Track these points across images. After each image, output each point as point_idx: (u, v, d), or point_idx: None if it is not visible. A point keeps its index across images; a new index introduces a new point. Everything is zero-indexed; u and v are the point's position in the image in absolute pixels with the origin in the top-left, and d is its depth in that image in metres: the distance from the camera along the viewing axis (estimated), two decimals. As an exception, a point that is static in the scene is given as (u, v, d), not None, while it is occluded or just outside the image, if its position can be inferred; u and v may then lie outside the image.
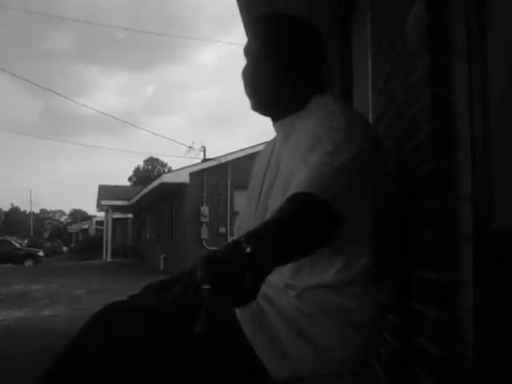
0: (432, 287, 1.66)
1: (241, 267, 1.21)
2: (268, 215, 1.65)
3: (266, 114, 1.97)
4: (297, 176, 1.62)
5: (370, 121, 3.17)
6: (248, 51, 1.96)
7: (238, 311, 1.71)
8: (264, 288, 1.73)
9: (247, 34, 1.94)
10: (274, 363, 1.70)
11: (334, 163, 1.55)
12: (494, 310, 1.48)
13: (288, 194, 1.53)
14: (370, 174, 1.68)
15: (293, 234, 1.40)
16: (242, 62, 1.98)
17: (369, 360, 1.92)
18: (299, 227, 1.42)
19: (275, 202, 1.70)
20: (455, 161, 1.63)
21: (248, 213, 1.99)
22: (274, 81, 1.89)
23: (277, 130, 1.98)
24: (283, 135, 1.93)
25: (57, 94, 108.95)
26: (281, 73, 1.88)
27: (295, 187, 1.53)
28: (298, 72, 1.89)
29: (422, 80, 1.76)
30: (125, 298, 1.97)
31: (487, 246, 1.54)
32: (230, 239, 2.15)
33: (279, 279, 1.74)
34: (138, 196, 29.30)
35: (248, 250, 1.23)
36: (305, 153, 1.67)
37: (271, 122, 1.99)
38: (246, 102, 1.96)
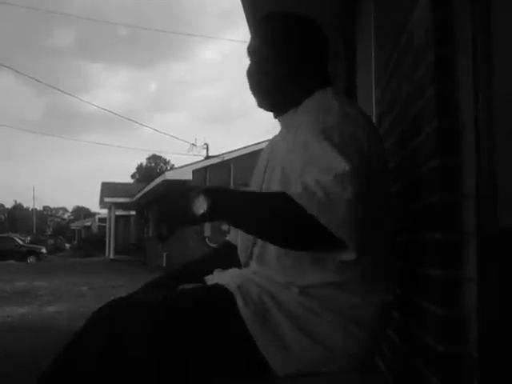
0: (436, 284, 1.66)
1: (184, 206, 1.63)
2: None
3: (269, 110, 2.00)
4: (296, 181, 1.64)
5: (374, 117, 3.16)
6: (251, 50, 1.99)
7: (241, 307, 1.71)
8: (266, 284, 1.74)
9: (251, 33, 1.96)
10: (278, 359, 1.70)
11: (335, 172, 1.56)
12: (499, 307, 1.48)
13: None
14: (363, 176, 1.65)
15: (248, 207, 1.66)
16: (245, 59, 2.01)
17: (372, 357, 1.91)
18: (261, 209, 1.64)
19: None
20: (460, 157, 1.63)
21: None
22: (277, 76, 1.91)
23: (281, 124, 2.01)
24: (284, 130, 1.96)
25: (60, 91, 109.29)
26: (283, 68, 1.91)
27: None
28: (299, 67, 1.91)
29: (427, 76, 1.75)
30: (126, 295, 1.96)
31: (491, 243, 1.54)
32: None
33: (280, 276, 1.75)
34: (141, 193, 29.31)
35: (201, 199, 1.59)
36: (300, 161, 1.69)
37: (274, 118, 2.01)
38: (250, 99, 2.01)
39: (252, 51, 1.98)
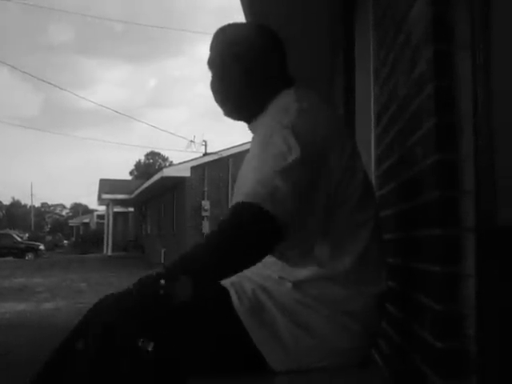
0: (435, 280, 1.66)
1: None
2: None
3: (238, 119, 2.04)
4: (246, 182, 1.70)
5: (372, 114, 3.17)
6: (211, 63, 2.04)
7: (236, 303, 1.72)
8: (260, 281, 1.75)
9: (210, 46, 2.03)
10: (274, 355, 1.71)
11: (277, 168, 1.62)
12: (497, 302, 1.48)
13: (233, 202, 1.69)
14: (322, 167, 1.71)
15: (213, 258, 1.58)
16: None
17: (369, 351, 1.92)
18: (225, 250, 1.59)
19: None
20: (458, 154, 1.63)
21: None
22: (238, 86, 1.97)
23: (252, 132, 2.05)
24: (252, 137, 2.01)
25: (57, 86, 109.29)
26: (242, 78, 1.96)
27: (240, 195, 1.64)
28: (258, 75, 1.96)
29: (426, 72, 1.75)
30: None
31: (490, 239, 1.54)
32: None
33: (273, 271, 1.76)
34: (139, 190, 29.33)
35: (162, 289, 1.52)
36: (252, 156, 1.77)
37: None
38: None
39: (211, 65, 2.03)
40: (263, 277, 1.77)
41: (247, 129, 2.03)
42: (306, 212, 1.69)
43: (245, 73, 1.95)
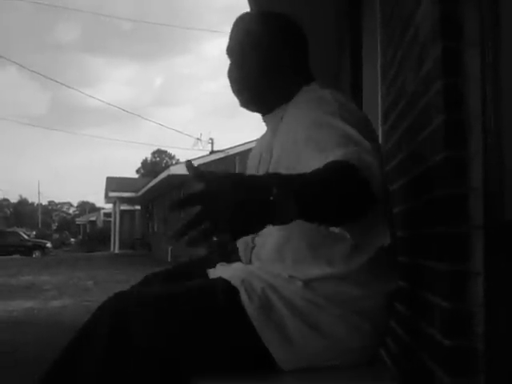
0: (443, 278, 1.65)
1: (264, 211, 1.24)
2: None
3: (254, 110, 2.02)
4: (305, 156, 1.58)
5: (380, 112, 3.16)
6: (230, 51, 2.01)
7: (245, 302, 1.71)
8: (270, 278, 1.74)
9: (230, 33, 2.00)
10: (282, 354, 1.70)
11: (353, 145, 1.49)
12: (506, 300, 1.48)
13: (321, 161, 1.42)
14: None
15: (326, 196, 1.35)
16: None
17: (377, 350, 1.92)
18: (334, 192, 1.35)
19: None
20: (467, 151, 1.62)
21: None
22: (260, 76, 1.93)
23: (267, 124, 2.03)
24: (273, 127, 1.96)
25: (64, 85, 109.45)
26: (265, 67, 1.93)
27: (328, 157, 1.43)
28: (282, 65, 1.93)
29: (434, 69, 1.74)
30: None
31: (498, 237, 1.53)
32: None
33: (282, 269, 1.75)
34: (146, 188, 29.35)
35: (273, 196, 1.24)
36: (304, 136, 1.64)
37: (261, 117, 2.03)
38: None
39: (230, 53, 2.01)
40: (273, 275, 1.76)
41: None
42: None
43: (263, 61, 1.93)
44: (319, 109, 1.71)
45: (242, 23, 2.01)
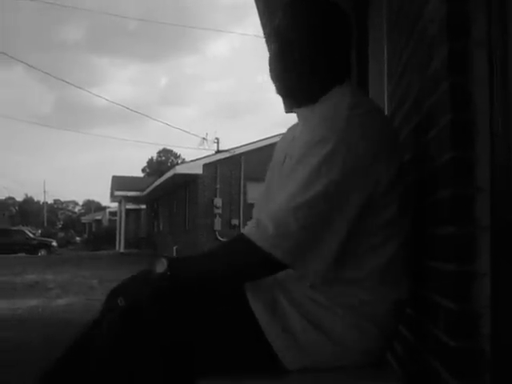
0: (449, 278, 1.64)
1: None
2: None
3: (287, 100, 1.95)
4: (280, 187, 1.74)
5: (386, 111, 3.14)
6: (277, 34, 1.91)
7: (251, 300, 1.71)
8: (278, 277, 1.73)
9: (281, 12, 1.89)
10: (288, 354, 1.70)
11: (304, 196, 1.62)
12: (512, 301, 1.47)
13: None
14: (372, 170, 1.67)
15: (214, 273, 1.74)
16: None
17: (384, 353, 1.91)
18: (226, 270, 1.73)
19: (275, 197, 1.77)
20: (474, 151, 1.61)
21: (262, 197, 2.01)
22: (299, 69, 1.86)
23: (298, 117, 1.98)
24: (301, 124, 1.94)
25: (71, 84, 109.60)
26: (306, 61, 1.85)
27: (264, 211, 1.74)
28: (324, 60, 1.85)
29: (441, 69, 1.73)
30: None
31: (505, 237, 1.52)
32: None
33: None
34: (152, 187, 29.42)
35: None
36: (297, 160, 1.71)
37: (287, 109, 1.98)
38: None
39: (279, 33, 1.91)
40: (282, 274, 1.75)
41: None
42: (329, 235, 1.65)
43: (307, 55, 1.84)
44: (321, 126, 1.70)
45: (292, 9, 1.91)
